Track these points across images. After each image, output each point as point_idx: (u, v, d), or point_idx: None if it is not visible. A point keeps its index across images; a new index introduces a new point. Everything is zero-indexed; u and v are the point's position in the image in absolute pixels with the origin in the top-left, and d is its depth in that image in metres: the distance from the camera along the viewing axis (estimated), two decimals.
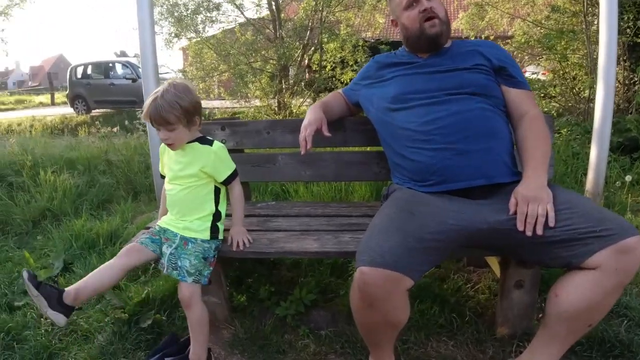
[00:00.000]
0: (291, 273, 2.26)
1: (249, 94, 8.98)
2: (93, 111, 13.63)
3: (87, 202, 3.68)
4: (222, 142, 2.10)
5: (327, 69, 9.27)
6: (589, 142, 2.84)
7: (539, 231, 1.27)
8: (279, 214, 2.03)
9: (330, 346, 1.76)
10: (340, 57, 9.14)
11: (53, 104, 21.04)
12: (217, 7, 8.40)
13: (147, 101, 1.60)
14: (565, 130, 4.50)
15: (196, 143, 1.70)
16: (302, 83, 9.08)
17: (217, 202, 1.75)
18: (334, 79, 9.07)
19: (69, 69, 14.18)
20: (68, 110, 14.56)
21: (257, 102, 9.12)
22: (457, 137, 1.48)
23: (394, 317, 1.32)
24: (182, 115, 1.58)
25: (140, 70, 12.49)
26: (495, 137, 1.51)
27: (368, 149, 2.10)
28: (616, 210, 2.78)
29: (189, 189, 1.70)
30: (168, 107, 1.55)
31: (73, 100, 13.82)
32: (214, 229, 1.71)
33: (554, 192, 1.35)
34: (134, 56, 13.24)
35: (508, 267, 1.63)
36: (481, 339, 1.76)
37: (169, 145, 1.66)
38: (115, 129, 5.58)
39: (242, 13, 8.70)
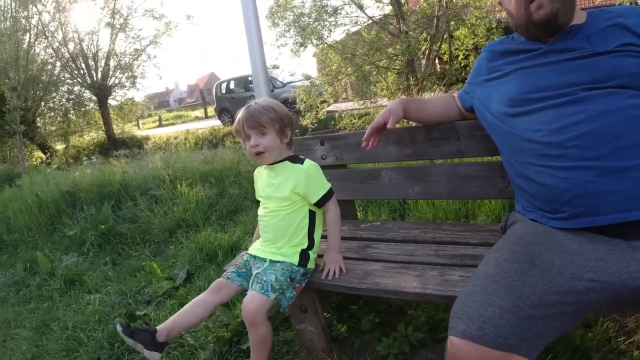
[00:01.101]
0: (401, 301, 2.01)
1: (375, 94, 8.81)
2: None
3: (216, 213, 3.88)
4: (322, 157, 1.96)
5: (459, 58, 8.64)
6: None
7: None
8: (382, 238, 1.80)
9: None
10: (474, 43, 8.41)
11: (206, 117, 23.56)
12: (336, 10, 8.40)
13: (239, 114, 1.60)
14: None
15: (287, 162, 1.64)
16: (433, 77, 8.56)
17: (311, 230, 1.66)
18: (467, 68, 8.34)
19: (215, 85, 15.68)
20: (217, 122, 16.10)
21: (385, 101, 8.88)
22: (603, 149, 1.05)
23: None
24: (276, 119, 1.56)
25: (277, 82, 13.38)
26: None
27: (491, 159, 1.74)
28: None
29: (282, 214, 1.63)
30: (262, 110, 1.56)
31: (220, 113, 15.27)
32: (303, 256, 1.62)
33: None
34: (272, 68, 14.08)
35: None
36: None
37: (258, 155, 1.59)
38: None
39: (363, 12, 8.56)
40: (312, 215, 1.66)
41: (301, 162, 1.62)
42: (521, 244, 1.09)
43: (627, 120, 1.06)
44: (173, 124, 22.85)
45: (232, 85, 14.98)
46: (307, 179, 1.59)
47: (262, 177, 1.73)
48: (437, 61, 9.25)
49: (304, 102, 8.88)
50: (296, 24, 8.42)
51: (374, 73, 8.23)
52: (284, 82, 13.43)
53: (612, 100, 1.09)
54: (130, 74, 15.66)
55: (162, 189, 4.31)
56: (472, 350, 0.91)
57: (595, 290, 0.94)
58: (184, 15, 19.26)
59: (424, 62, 8.64)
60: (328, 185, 1.64)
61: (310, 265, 1.65)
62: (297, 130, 7.17)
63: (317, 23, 8.30)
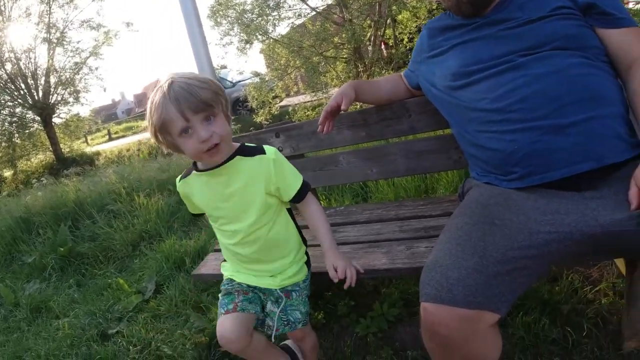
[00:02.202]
0: (373, 281, 2.04)
1: (326, 85, 8.83)
2: None
3: (178, 220, 3.81)
4: (279, 150, 1.95)
5: (404, 42, 8.77)
6: None
7: None
8: (347, 222, 1.82)
9: None
10: (416, 26, 8.56)
11: None
12: (279, 4, 8.34)
13: (156, 100, 1.07)
14: None
15: (238, 158, 1.20)
16: (381, 62, 8.65)
17: (298, 227, 1.40)
18: (412, 51, 8.49)
19: None
20: None
21: (336, 90, 8.91)
22: (545, 109, 1.09)
23: (478, 358, 1.04)
24: (221, 95, 1.13)
25: (226, 82, 13.16)
26: (600, 100, 1.10)
27: (442, 132, 1.79)
28: None
29: (265, 230, 1.26)
30: (200, 84, 1.08)
31: None
32: (308, 261, 1.43)
33: None
34: (220, 68, 13.83)
35: (635, 268, 1.25)
36: (603, 357, 1.40)
37: (211, 151, 1.11)
38: None
39: (305, 3, 8.54)
40: (289, 211, 1.37)
41: (259, 151, 1.22)
42: (479, 207, 1.12)
43: (565, 80, 1.11)
44: (124, 136, 22.05)
45: None
46: (278, 170, 1.22)
47: (201, 190, 1.26)
48: (383, 46, 9.35)
49: (256, 99, 8.80)
50: (239, 21, 8.30)
51: (323, 63, 8.24)
52: (234, 81, 13.22)
53: (550, 62, 1.14)
54: (72, 89, 14.98)
55: (119, 202, 4.19)
56: (445, 312, 0.94)
57: (554, 242, 0.99)
58: (123, 23, 18.56)
59: (370, 48, 8.70)
60: (299, 174, 1.31)
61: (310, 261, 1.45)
62: (251, 128, 7.09)
63: (260, 18, 8.21)
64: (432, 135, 1.76)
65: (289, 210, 1.37)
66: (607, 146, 1.07)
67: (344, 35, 8.01)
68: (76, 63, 14.86)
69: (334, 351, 1.71)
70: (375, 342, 1.67)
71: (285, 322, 1.37)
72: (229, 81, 13.31)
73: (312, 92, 8.77)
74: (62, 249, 3.65)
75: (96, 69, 15.39)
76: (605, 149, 1.07)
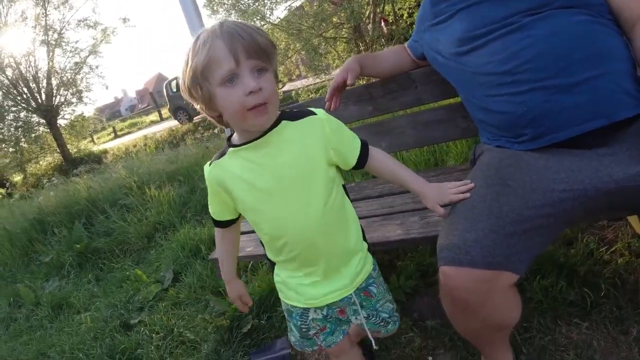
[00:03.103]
0: (389, 255, 2.05)
1: (328, 66, 8.77)
2: (195, 118, 14.56)
3: (190, 210, 3.85)
4: None
5: (404, 17, 8.67)
6: None
7: None
8: (359, 197, 1.82)
9: (437, 339, 1.54)
10: (416, 0, 8.46)
11: (162, 119, 22.96)
12: None
13: (202, 38, 0.88)
14: None
15: (285, 123, 0.98)
16: (382, 39, 8.57)
17: (348, 196, 1.13)
18: (413, 26, 8.38)
19: (164, 85, 15.25)
20: (174, 122, 15.74)
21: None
22: (553, 69, 1.07)
23: (498, 320, 1.05)
24: (276, 52, 0.95)
25: None
26: (607, 57, 1.08)
27: (449, 101, 1.77)
28: None
29: (328, 206, 1.00)
30: (258, 30, 0.90)
31: (175, 112, 14.89)
32: (369, 246, 1.17)
33: None
34: None
35: None
36: (622, 317, 1.40)
37: (258, 108, 0.89)
38: (216, 131, 5.78)
39: None
40: (343, 188, 1.10)
41: (307, 113, 1.00)
42: (492, 169, 1.12)
43: (570, 38, 1.09)
44: (129, 132, 22.20)
45: None
46: (335, 130, 1.01)
47: (242, 171, 0.98)
48: (383, 23, 9.25)
49: None
50: (236, 8, 8.25)
51: (323, 45, 8.20)
52: None
53: (554, 21, 1.12)
54: (74, 89, 15.11)
55: (130, 196, 4.23)
56: (464, 274, 0.94)
57: (569, 200, 0.98)
58: (120, 20, 18.55)
59: (370, 26, 8.61)
60: (354, 133, 1.09)
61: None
62: None
63: (257, 3, 8.16)
64: (439, 106, 1.74)
65: (344, 188, 1.11)
66: (617, 102, 1.06)
67: (342, 15, 7.93)
68: (76, 63, 14.95)
69: None
70: None
71: (383, 323, 1.18)
72: None
73: (314, 74, 8.74)
74: (78, 246, 3.71)
75: (96, 67, 15.48)
76: (614, 106, 1.06)
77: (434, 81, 1.64)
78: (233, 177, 0.99)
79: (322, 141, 0.98)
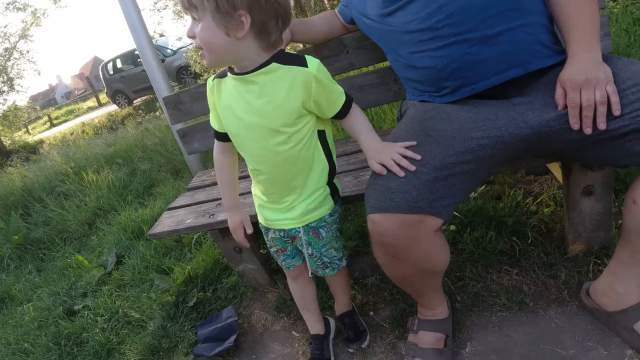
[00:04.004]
0: None
1: None
2: (135, 101, 13.94)
3: (132, 192, 3.73)
4: None
5: None
6: None
7: (602, 125, 0.96)
8: None
9: (377, 295, 1.60)
10: None
11: (100, 105, 21.85)
12: None
13: None
14: None
15: (274, 65, 1.03)
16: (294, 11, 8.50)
17: (327, 150, 1.18)
18: None
19: (100, 67, 14.47)
20: (113, 107, 15.04)
21: None
22: (472, 22, 1.11)
23: (428, 265, 1.10)
24: (205, 3, 0.94)
25: (166, 50, 12.61)
26: (522, 11, 1.12)
27: (381, 65, 1.80)
28: None
29: (289, 147, 1.09)
30: None
31: (113, 96, 14.21)
32: (333, 190, 1.22)
33: (614, 66, 1.00)
34: (160, 36, 13.23)
35: (571, 173, 1.33)
36: (550, 262, 1.50)
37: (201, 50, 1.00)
38: (157, 113, 5.58)
39: None
40: (320, 133, 1.16)
41: (300, 61, 1.03)
42: (415, 122, 1.15)
43: None
44: (66, 120, 20.94)
45: (119, 64, 13.87)
46: (322, 87, 1.05)
47: (228, 96, 1.10)
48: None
49: (199, 63, 8.54)
50: None
51: None
52: (174, 49, 12.72)
53: None
54: (5, 77, 14.08)
55: (67, 183, 4.05)
56: (390, 220, 0.98)
57: (487, 146, 1.04)
58: (50, 0, 17.34)
59: (312, 1, 8.52)
60: (342, 89, 1.13)
61: (340, 189, 1.27)
62: None
63: None
64: (371, 70, 1.77)
65: (323, 133, 1.16)
66: (532, 53, 1.12)
67: None
68: (6, 49, 13.96)
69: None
70: None
71: (324, 265, 1.29)
72: (169, 49, 12.79)
73: None
74: (16, 237, 3.52)
75: (27, 52, 14.48)
76: (530, 56, 1.11)
77: (365, 46, 1.66)
78: (223, 97, 1.11)
79: (305, 94, 1.04)
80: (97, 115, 15.31)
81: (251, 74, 1.03)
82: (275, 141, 1.08)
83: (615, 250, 1.19)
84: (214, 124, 1.19)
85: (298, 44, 1.75)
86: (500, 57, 1.11)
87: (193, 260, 2.20)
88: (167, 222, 1.76)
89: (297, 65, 1.03)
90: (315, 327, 1.49)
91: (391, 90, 1.72)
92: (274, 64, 1.02)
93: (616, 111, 0.95)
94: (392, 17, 1.27)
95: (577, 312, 1.33)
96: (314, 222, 1.20)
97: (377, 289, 1.62)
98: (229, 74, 1.08)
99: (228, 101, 1.10)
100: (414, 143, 1.08)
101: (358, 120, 1.16)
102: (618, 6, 3.52)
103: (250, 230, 1.32)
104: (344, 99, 1.13)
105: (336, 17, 1.65)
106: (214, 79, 1.13)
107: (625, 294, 1.18)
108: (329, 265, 1.29)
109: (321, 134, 1.15)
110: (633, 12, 3.21)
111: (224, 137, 1.20)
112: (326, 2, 8.85)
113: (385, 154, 1.08)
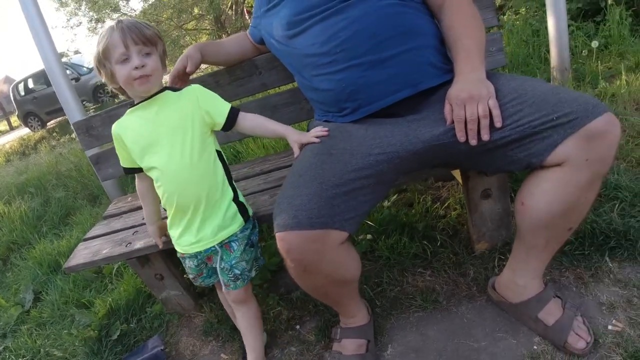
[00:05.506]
0: None
1: None
2: (48, 124, 13.08)
3: (46, 223, 3.50)
4: None
5: None
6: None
7: (485, 136, 1.05)
8: None
9: (303, 308, 1.64)
10: None
11: (12, 128, 20.28)
12: None
13: (104, 30, 1.20)
14: (523, 9, 4.17)
15: (167, 92, 1.28)
16: (245, 30, 8.54)
17: (227, 171, 1.34)
18: None
19: (11, 88, 13.45)
20: (25, 130, 14.01)
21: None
22: (365, 47, 1.20)
23: (339, 276, 1.16)
24: (160, 38, 1.25)
25: (82, 68, 11.99)
26: (413, 35, 1.22)
27: (293, 85, 1.86)
28: (588, 81, 2.56)
29: (194, 157, 1.24)
30: (145, 24, 1.23)
31: (25, 119, 13.24)
32: (242, 210, 1.34)
33: (496, 83, 1.11)
34: (74, 53, 12.55)
35: (469, 178, 1.46)
36: (459, 261, 1.62)
37: (141, 79, 1.19)
38: (73, 135, 5.27)
39: None
40: (218, 153, 1.33)
41: (183, 87, 1.31)
42: (319, 142, 1.22)
43: (380, 19, 1.22)
44: None
45: (31, 84, 12.96)
46: (204, 95, 1.29)
47: (133, 125, 1.28)
48: (246, 14, 9.22)
49: None
50: None
51: (185, 37, 7.92)
52: (90, 66, 12.12)
53: (366, 5, 1.23)
54: None
55: None
56: (294, 237, 1.03)
57: (384, 161, 1.11)
58: None
59: (233, 17, 8.52)
60: (225, 101, 1.33)
61: (250, 211, 1.40)
62: None
63: None
64: (283, 90, 1.82)
65: (220, 154, 1.34)
66: (422, 73, 1.22)
67: (203, 6, 7.73)
68: None
69: (218, 307, 1.75)
70: (261, 293, 1.75)
71: (235, 277, 1.35)
72: (85, 67, 12.17)
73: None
74: None
75: None
76: (420, 76, 1.21)
77: (277, 66, 1.71)
78: (127, 130, 1.29)
79: (195, 104, 1.26)
80: (9, 139, 14.18)
81: (150, 99, 1.26)
82: (186, 146, 1.26)
83: (512, 248, 1.30)
84: (122, 160, 1.36)
85: (210, 65, 1.76)
86: (391, 79, 1.20)
87: (114, 292, 2.12)
88: (83, 254, 1.69)
89: (184, 88, 1.30)
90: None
91: (304, 108, 1.78)
92: (167, 91, 1.29)
93: (498, 123, 1.05)
94: (295, 39, 1.34)
95: (486, 306, 1.44)
96: (227, 239, 1.32)
97: (302, 302, 1.66)
98: (128, 110, 1.31)
99: (133, 128, 1.29)
100: (326, 133, 1.22)
101: (259, 118, 1.35)
102: (520, 19, 3.84)
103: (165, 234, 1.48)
104: (228, 107, 1.31)
105: (247, 38, 1.69)
106: (116, 124, 1.32)
107: (526, 286, 1.29)
108: (239, 277, 1.35)
109: (217, 153, 1.33)
110: (532, 24, 3.51)
111: (130, 171, 1.37)
112: (247, 17, 8.90)
113: (305, 136, 1.26)
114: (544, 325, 1.26)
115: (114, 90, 1.31)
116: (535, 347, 1.27)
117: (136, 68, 1.17)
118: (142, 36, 1.18)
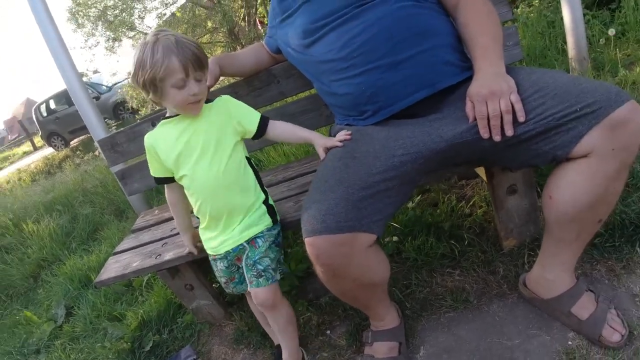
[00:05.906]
0: None
1: None
2: (72, 142, 13.40)
3: (75, 239, 3.59)
4: None
5: None
6: None
7: (509, 132, 1.05)
8: None
9: (332, 313, 1.64)
10: None
11: (36, 149, 20.79)
12: None
13: (160, 51, 1.14)
14: (537, 0, 4.11)
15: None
16: (259, 40, 8.63)
17: (257, 176, 1.40)
18: None
19: (33, 110, 13.83)
20: (49, 150, 14.36)
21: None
22: (382, 50, 1.21)
23: (367, 279, 1.16)
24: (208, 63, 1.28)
25: (101, 87, 12.28)
26: (430, 35, 1.23)
27: (311, 92, 1.87)
28: (607, 70, 2.50)
29: (223, 165, 1.28)
30: (194, 43, 1.22)
31: (49, 139, 13.57)
32: (270, 211, 1.39)
33: (516, 77, 1.10)
34: (94, 72, 12.85)
35: (493, 175, 1.44)
36: (488, 259, 1.60)
37: (196, 103, 1.23)
38: (96, 153, 5.41)
39: None
40: (248, 160, 1.38)
41: (212, 99, 1.35)
42: (342, 146, 1.23)
43: (395, 22, 1.22)
44: (0, 168, 19.82)
45: (52, 105, 13.28)
46: (235, 105, 1.35)
47: (168, 134, 1.31)
48: (259, 25, 9.32)
49: (135, 99, 8.40)
50: (103, 19, 7.76)
51: None
52: (110, 85, 12.40)
53: (381, 9, 1.24)
54: None
55: (7, 236, 3.84)
56: (323, 242, 1.04)
57: (408, 162, 1.11)
58: None
59: (246, 28, 8.62)
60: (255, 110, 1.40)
61: (278, 216, 1.43)
62: None
63: (124, 13, 7.73)
64: (301, 97, 1.83)
65: (249, 161, 1.39)
66: (437, 73, 1.22)
67: (216, 19, 7.84)
68: None
69: (248, 315, 1.76)
70: (290, 300, 1.74)
71: (259, 274, 1.34)
72: (104, 86, 12.45)
73: None
74: None
75: None
76: (435, 76, 1.21)
77: (294, 74, 1.72)
78: (159, 140, 1.31)
79: (226, 114, 1.31)
80: (33, 160, 14.55)
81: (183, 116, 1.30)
82: (221, 155, 1.30)
83: (542, 242, 1.28)
84: (153, 171, 1.38)
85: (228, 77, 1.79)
86: (407, 80, 1.21)
87: (145, 304, 2.15)
88: (113, 268, 1.73)
89: (216, 99, 1.36)
90: (277, 338, 1.53)
91: (323, 114, 1.79)
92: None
93: (521, 117, 1.04)
94: (312, 47, 1.35)
95: (517, 304, 1.42)
96: (253, 235, 1.35)
97: (331, 307, 1.66)
98: (162, 121, 1.33)
99: (167, 139, 1.31)
100: (349, 137, 1.24)
101: (289, 125, 1.41)
102: (534, 12, 3.79)
103: (199, 244, 1.51)
104: (259, 115, 1.36)
105: (263, 48, 1.71)
106: (148, 135, 1.35)
107: (556, 281, 1.27)
108: (263, 273, 1.33)
109: (248, 160, 1.38)
110: (547, 16, 3.45)
111: (162, 180, 1.39)
112: (260, 28, 8.99)
113: (330, 140, 1.30)
114: (578, 319, 1.24)
115: (152, 101, 1.29)
116: (569, 342, 1.25)
117: (194, 95, 1.20)
118: (200, 62, 1.19)
